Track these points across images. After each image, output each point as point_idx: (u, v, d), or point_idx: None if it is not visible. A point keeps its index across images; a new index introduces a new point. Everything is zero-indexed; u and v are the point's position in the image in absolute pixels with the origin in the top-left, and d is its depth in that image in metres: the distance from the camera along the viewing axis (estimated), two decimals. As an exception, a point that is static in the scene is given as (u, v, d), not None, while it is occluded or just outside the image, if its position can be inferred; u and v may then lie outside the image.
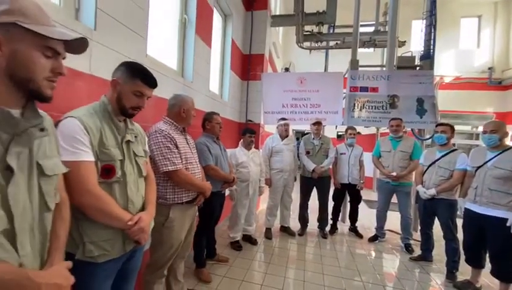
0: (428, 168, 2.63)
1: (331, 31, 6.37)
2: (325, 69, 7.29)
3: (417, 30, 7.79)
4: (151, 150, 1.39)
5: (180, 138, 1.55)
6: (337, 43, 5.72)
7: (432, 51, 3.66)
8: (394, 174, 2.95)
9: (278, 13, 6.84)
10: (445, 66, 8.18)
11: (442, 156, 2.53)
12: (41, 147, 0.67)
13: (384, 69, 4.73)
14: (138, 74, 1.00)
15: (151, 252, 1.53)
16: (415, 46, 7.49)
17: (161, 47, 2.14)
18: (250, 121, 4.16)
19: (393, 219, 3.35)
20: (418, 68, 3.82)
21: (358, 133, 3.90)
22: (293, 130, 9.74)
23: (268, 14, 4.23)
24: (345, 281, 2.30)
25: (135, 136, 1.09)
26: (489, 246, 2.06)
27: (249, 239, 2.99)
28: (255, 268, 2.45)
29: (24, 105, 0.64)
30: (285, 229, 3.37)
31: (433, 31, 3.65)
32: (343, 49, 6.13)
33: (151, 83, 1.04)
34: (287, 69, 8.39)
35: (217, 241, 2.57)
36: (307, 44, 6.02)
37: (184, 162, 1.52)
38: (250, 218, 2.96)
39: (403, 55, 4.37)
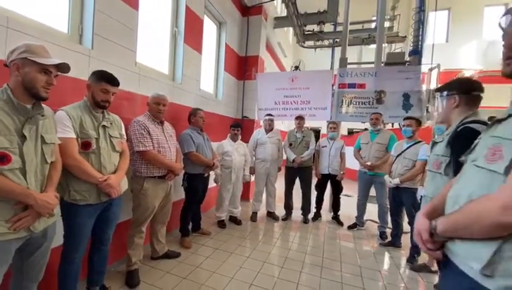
0: (396, 159, 2.81)
1: (336, 29, 6.48)
2: (331, 66, 7.38)
3: (432, 22, 7.51)
4: (129, 135, 1.89)
5: (155, 127, 2.03)
6: (336, 41, 5.84)
7: (420, 46, 3.71)
8: (369, 163, 3.15)
9: (283, 14, 7.10)
10: (466, 59, 7.73)
11: (408, 148, 2.70)
12: (44, 126, 1.16)
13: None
14: (102, 77, 1.48)
15: (133, 213, 2.03)
16: (431, 38, 7.25)
17: (155, 56, 2.65)
18: (246, 117, 4.57)
19: (376, 210, 3.52)
20: (407, 64, 3.88)
21: (356, 130, 4.09)
22: (307, 127, 9.95)
23: (263, 19, 4.58)
24: (308, 256, 2.61)
25: (111, 123, 1.58)
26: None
27: (235, 220, 3.42)
28: (232, 241, 2.86)
29: (33, 102, 1.13)
30: (270, 214, 3.73)
31: (421, 26, 3.69)
32: (349, 46, 6.25)
33: (112, 81, 1.50)
34: (296, 67, 8.62)
35: (202, 219, 3.04)
36: (309, 43, 6.23)
37: (156, 146, 1.99)
38: (235, 201, 3.38)
39: (394, 51, 4.41)
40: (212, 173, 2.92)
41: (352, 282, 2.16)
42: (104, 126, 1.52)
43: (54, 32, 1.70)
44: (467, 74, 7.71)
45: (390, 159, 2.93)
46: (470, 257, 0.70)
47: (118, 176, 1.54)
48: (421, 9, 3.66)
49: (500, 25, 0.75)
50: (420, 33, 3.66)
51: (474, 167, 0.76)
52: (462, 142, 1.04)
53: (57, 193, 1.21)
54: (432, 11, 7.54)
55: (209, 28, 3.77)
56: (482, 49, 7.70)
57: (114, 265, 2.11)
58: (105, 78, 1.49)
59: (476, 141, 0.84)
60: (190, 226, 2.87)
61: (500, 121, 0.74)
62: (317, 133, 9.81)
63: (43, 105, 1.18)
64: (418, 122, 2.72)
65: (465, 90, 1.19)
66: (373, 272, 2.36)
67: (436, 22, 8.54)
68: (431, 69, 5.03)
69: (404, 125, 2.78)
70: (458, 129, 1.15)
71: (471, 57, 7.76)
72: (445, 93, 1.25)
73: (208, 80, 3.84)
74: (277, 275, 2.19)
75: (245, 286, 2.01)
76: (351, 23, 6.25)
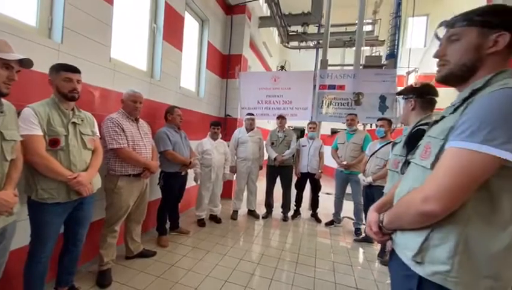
0: (370, 158, 2.93)
1: (319, 31, 6.62)
2: (315, 67, 7.52)
3: (411, 28, 7.83)
4: (102, 133, 1.85)
5: (129, 125, 2.00)
6: (319, 42, 5.97)
7: (396, 50, 3.88)
8: (345, 162, 3.27)
9: (268, 14, 7.15)
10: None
11: (380, 148, 2.83)
12: (3, 122, 1.13)
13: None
14: (60, 67, 1.45)
15: (106, 212, 2.00)
16: (410, 43, 7.57)
17: (132, 52, 2.60)
18: (229, 116, 4.58)
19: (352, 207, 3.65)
20: (384, 67, 4.05)
21: (340, 130, 4.19)
22: (289, 126, 10.08)
23: (247, 18, 4.60)
24: (285, 253, 2.67)
25: (82, 120, 1.55)
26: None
27: (215, 218, 3.43)
28: (210, 239, 2.87)
29: None
30: (251, 213, 3.77)
31: (397, 32, 3.86)
32: (332, 48, 6.40)
33: (71, 68, 1.47)
34: (282, 67, 8.72)
35: (182, 218, 3.03)
36: (293, 43, 6.31)
37: (131, 143, 1.97)
38: (215, 200, 3.39)
39: (372, 54, 4.58)
40: (191, 171, 2.91)
41: (325, 277, 2.25)
42: (74, 123, 1.49)
43: (21, 25, 1.63)
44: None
45: (365, 159, 3.05)
46: (405, 246, 0.76)
47: (89, 173, 1.52)
48: (398, 15, 3.83)
49: (436, 35, 0.82)
50: (396, 38, 3.83)
51: (413, 165, 0.83)
52: (413, 142, 1.12)
53: (16, 191, 1.17)
54: (410, 17, 7.91)
55: (191, 26, 3.74)
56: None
57: (85, 265, 2.06)
58: (63, 67, 1.46)
59: (420, 141, 0.92)
60: (168, 225, 2.85)
61: (437, 122, 0.81)
62: (301, 132, 9.95)
63: (3, 101, 1.14)
64: (391, 123, 2.86)
65: (420, 94, 1.28)
66: (346, 267, 2.46)
67: (416, 28, 8.91)
68: (408, 73, 5.27)
69: (377, 126, 2.91)
70: (412, 131, 1.24)
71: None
72: (403, 97, 1.33)
73: (190, 78, 3.81)
74: (252, 272, 2.23)
75: (220, 282, 2.04)
76: (335, 26, 6.42)
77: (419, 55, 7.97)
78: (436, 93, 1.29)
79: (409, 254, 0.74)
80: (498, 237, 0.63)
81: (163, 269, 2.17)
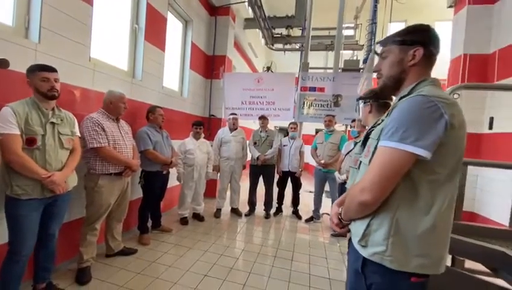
0: (345, 157, 3.10)
1: (303, 34, 6.80)
2: (299, 68, 7.70)
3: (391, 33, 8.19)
4: (82, 133, 1.88)
5: (110, 124, 2.03)
6: (302, 45, 6.14)
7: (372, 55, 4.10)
8: (322, 161, 3.43)
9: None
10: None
11: (354, 147, 3.00)
12: None
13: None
14: (36, 68, 1.48)
15: (86, 210, 2.02)
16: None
17: (113, 52, 2.61)
18: (213, 116, 4.64)
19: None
20: (361, 70, 4.26)
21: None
22: (275, 126, 10.24)
23: (231, 20, 4.68)
24: (264, 248, 2.78)
25: (61, 120, 1.58)
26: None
27: (197, 217, 3.49)
28: (193, 236, 2.93)
29: None
30: (234, 211, 3.86)
31: (373, 37, 4.08)
32: (314, 51, 6.60)
33: (47, 68, 1.50)
34: (268, 68, 8.84)
35: (165, 217, 3.07)
36: (278, 45, 6.45)
37: (112, 142, 2.00)
38: (198, 198, 3.45)
39: (351, 58, 4.80)
40: (173, 170, 2.95)
41: (300, 269, 2.38)
42: (52, 123, 1.52)
43: (-6, 24, 1.63)
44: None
45: (341, 158, 3.23)
46: (355, 234, 0.89)
47: (64, 173, 1.55)
48: (373, 22, 4.05)
49: (375, 51, 0.97)
50: (372, 43, 4.04)
51: (362, 163, 0.96)
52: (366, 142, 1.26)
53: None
54: (389, 22, 8.29)
55: (175, 26, 3.77)
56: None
57: (64, 264, 2.07)
58: (39, 67, 1.49)
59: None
60: (150, 224, 2.88)
61: (377, 125, 0.94)
62: (287, 132, 10.11)
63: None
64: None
65: (376, 98, 1.42)
66: (321, 260, 2.61)
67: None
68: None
69: (352, 127, 3.08)
70: (368, 132, 1.38)
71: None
72: (363, 101, 1.48)
73: (173, 78, 3.84)
74: (231, 266, 2.33)
75: (199, 277, 2.11)
76: (318, 29, 6.62)
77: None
78: (391, 98, 1.44)
79: (356, 240, 0.86)
80: (422, 220, 0.75)
81: (143, 265, 2.22)
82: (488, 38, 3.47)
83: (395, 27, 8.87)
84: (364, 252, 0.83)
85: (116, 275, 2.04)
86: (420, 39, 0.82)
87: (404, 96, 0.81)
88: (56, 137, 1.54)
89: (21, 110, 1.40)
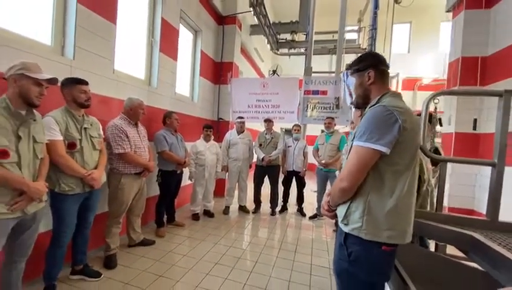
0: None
1: (307, 39, 7.00)
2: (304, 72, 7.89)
3: (396, 34, 8.31)
4: (107, 137, 2.16)
5: (131, 129, 2.31)
6: (306, 49, 6.34)
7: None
8: (323, 161, 3.63)
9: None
10: (425, 69, 8.63)
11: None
12: (35, 128, 1.43)
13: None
14: (74, 81, 1.75)
15: (110, 206, 2.30)
16: (395, 49, 8.01)
17: (132, 63, 2.91)
18: (221, 119, 4.90)
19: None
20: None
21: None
22: (281, 128, 10.44)
23: (237, 28, 4.94)
24: (270, 241, 3.00)
25: (91, 124, 1.87)
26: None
27: (208, 213, 3.74)
28: (204, 231, 3.18)
29: (27, 109, 1.40)
30: (242, 208, 4.10)
31: (373, 43, 4.25)
32: (318, 55, 6.79)
33: (83, 82, 1.77)
34: (274, 72, 9.08)
35: (178, 213, 3.33)
36: (283, 50, 6.68)
37: (133, 147, 2.28)
38: (209, 196, 3.71)
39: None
40: (186, 170, 3.22)
41: (302, 259, 2.58)
42: (85, 128, 1.80)
43: (38, 45, 1.94)
44: (425, 81, 8.63)
45: (341, 157, 3.42)
46: (339, 215, 1.11)
47: (99, 170, 1.84)
48: (374, 28, 4.21)
49: (341, 77, 1.24)
50: (372, 48, 4.21)
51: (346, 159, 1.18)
52: None
53: (46, 183, 1.48)
54: (395, 24, 8.38)
55: (185, 36, 4.06)
56: (438, 60, 8.62)
57: (93, 251, 2.35)
58: (76, 81, 1.76)
59: None
60: (165, 218, 3.15)
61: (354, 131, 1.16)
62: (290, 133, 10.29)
63: (35, 111, 1.45)
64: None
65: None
66: (322, 252, 2.80)
67: (400, 34, 9.35)
68: (391, 78, 5.69)
69: (352, 128, 3.27)
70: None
71: (429, 67, 8.66)
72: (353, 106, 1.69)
73: (185, 84, 4.13)
74: (240, 256, 2.56)
75: (211, 264, 2.35)
76: (322, 33, 6.81)
77: (403, 61, 8.46)
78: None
79: (340, 220, 1.08)
80: (387, 201, 0.97)
81: (161, 254, 2.48)
82: (485, 42, 3.59)
83: (400, 29, 8.98)
84: (346, 229, 1.05)
85: (138, 262, 2.31)
86: (370, 63, 1.07)
87: (372, 106, 1.03)
88: (89, 140, 1.82)
89: (60, 118, 1.68)
